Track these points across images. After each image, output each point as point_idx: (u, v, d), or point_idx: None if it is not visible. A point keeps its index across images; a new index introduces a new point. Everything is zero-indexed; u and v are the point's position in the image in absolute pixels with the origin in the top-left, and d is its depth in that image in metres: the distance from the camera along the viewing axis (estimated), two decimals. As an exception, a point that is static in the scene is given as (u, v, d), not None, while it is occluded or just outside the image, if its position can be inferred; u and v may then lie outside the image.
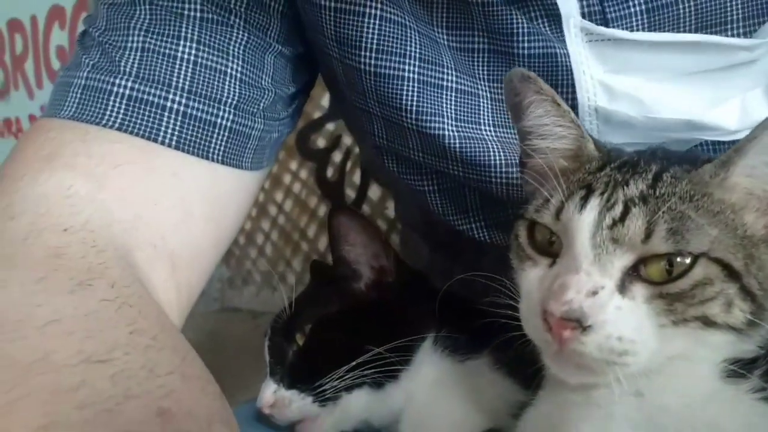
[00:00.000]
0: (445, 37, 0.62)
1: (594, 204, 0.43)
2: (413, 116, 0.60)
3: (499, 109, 0.63)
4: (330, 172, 2.14)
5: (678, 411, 0.43)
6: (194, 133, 0.57)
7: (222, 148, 0.59)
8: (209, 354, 2.08)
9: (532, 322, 0.44)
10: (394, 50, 0.60)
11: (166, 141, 0.56)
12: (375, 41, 0.59)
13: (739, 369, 0.43)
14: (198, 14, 0.58)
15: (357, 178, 2.07)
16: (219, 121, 0.58)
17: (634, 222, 0.41)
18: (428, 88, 0.60)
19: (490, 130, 0.62)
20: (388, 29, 0.59)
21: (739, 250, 0.42)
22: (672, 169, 0.44)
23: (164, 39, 0.57)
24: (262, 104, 0.61)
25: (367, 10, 0.58)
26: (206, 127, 0.58)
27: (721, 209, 0.42)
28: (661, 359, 0.42)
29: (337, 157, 2.11)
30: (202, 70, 0.58)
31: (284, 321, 0.67)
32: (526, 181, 0.52)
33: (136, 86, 0.56)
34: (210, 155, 0.58)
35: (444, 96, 0.61)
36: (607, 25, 0.58)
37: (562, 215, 0.44)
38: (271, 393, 0.63)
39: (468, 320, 0.64)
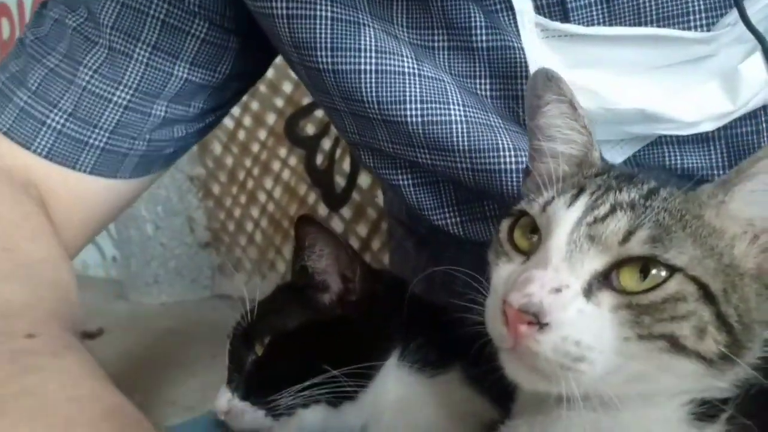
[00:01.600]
0: (406, 35, 0.63)
1: (582, 202, 0.42)
2: (376, 106, 0.62)
3: (468, 94, 0.63)
4: (319, 160, 2.10)
5: None
6: (65, 148, 0.65)
7: (92, 162, 0.66)
8: (198, 341, 2.05)
9: (492, 315, 0.42)
10: (348, 46, 0.61)
11: (38, 151, 0.64)
12: (329, 40, 0.61)
13: (708, 411, 0.40)
14: (107, 43, 0.65)
15: (347, 165, 2.03)
16: (91, 141, 0.65)
17: (615, 223, 0.40)
18: (388, 76, 0.62)
19: (459, 110, 0.62)
20: (340, 28, 0.61)
21: (720, 276, 0.39)
22: (669, 187, 0.43)
23: (68, 62, 0.65)
24: (146, 128, 0.67)
25: (318, 12, 0.61)
26: (77, 145, 0.65)
27: (711, 233, 0.40)
28: (619, 379, 0.40)
29: (326, 144, 2.07)
30: (89, 95, 0.65)
31: (244, 327, 0.64)
32: (525, 186, 0.51)
33: (30, 101, 0.65)
34: (77, 167, 0.65)
35: (407, 81, 0.62)
36: (566, 16, 0.58)
37: (548, 208, 0.43)
38: (225, 401, 0.62)
39: (439, 330, 0.61)
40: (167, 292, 2.44)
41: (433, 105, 0.62)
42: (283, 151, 2.18)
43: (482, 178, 0.62)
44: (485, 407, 0.58)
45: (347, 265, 0.62)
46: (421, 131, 0.62)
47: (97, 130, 0.65)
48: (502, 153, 0.61)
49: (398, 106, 0.62)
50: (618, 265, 0.39)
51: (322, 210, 2.14)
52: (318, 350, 0.60)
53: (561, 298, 0.39)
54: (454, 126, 0.62)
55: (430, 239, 0.80)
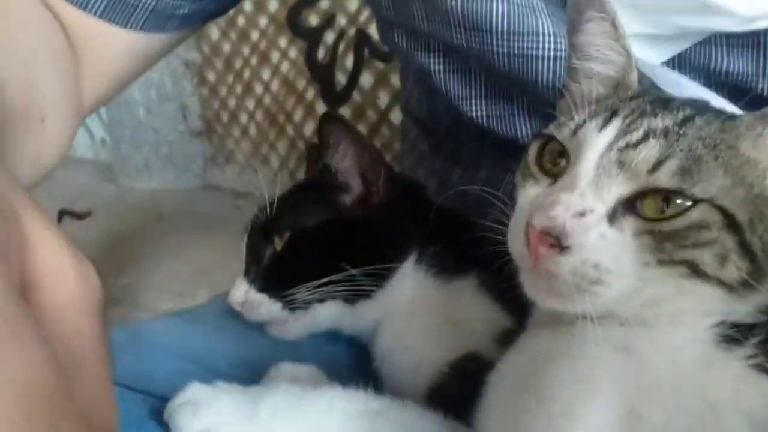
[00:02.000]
0: None
1: (614, 125, 0.41)
2: None
3: None
4: (321, 53, 2.03)
5: (665, 372, 0.40)
6: None
7: (101, 7, 0.64)
8: (189, 229, 2.05)
9: (515, 235, 0.42)
10: None
11: None
12: None
13: (735, 334, 0.40)
14: None
15: (349, 62, 1.96)
16: None
17: (647, 150, 0.39)
18: None
19: None
20: None
21: (748, 206, 0.39)
22: (707, 115, 0.42)
23: None
24: None
25: None
26: None
27: (744, 163, 0.40)
28: (638, 301, 0.40)
29: (329, 37, 1.99)
30: None
31: (264, 221, 0.63)
32: (559, 108, 0.49)
33: None
34: (88, 9, 0.63)
35: None
36: None
37: (579, 132, 0.42)
38: (242, 293, 0.61)
39: (458, 237, 0.61)
40: (157, 179, 2.42)
41: None
42: (283, 42, 2.10)
43: (517, 64, 0.60)
44: (499, 316, 0.59)
45: (371, 167, 0.61)
46: (459, 9, 0.60)
47: None
48: (541, 38, 0.59)
49: None
50: (644, 193, 0.39)
51: (321, 107, 2.09)
52: (337, 249, 0.60)
53: (584, 222, 0.39)
54: (493, 5, 0.59)
55: (448, 140, 0.78)
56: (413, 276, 0.62)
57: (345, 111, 1.98)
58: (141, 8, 0.64)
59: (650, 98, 0.44)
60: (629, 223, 0.39)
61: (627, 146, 0.40)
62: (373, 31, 1.88)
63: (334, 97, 1.99)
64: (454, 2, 0.60)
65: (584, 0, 0.45)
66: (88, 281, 0.28)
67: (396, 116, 1.87)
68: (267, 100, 2.24)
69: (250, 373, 0.59)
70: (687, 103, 0.44)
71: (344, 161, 0.61)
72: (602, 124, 0.42)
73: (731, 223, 0.38)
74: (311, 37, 2.04)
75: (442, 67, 0.67)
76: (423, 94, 0.80)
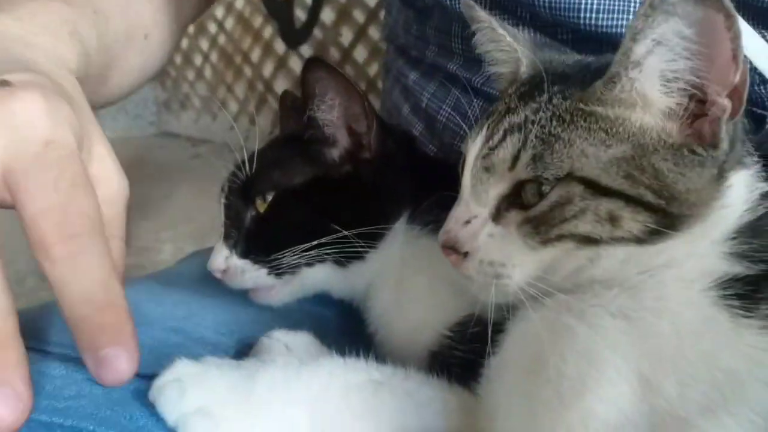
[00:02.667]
0: None
1: (481, 135, 0.45)
2: None
3: None
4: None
5: (669, 338, 0.39)
6: None
7: None
8: (149, 180, 1.98)
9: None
10: None
11: None
12: None
13: (741, 290, 0.39)
14: None
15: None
16: None
17: (504, 150, 0.43)
18: None
19: None
20: None
21: (616, 165, 0.41)
22: (570, 88, 0.43)
23: None
24: None
25: None
26: None
27: (608, 125, 0.41)
28: (559, 277, 0.43)
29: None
30: None
31: (243, 181, 0.58)
32: None
33: None
34: None
35: None
36: None
37: (466, 144, 0.47)
38: (222, 259, 0.57)
39: (454, 190, 0.58)
40: (109, 127, 2.30)
41: None
42: (237, -24, 1.98)
43: (558, 3, 0.60)
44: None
45: (361, 119, 0.56)
46: None
47: None
48: None
49: None
50: (520, 185, 0.42)
51: (280, 47, 1.99)
52: (326, 208, 0.56)
53: (470, 229, 0.44)
54: None
55: (435, 71, 0.75)
56: (408, 234, 0.58)
57: (306, 50, 1.90)
58: None
59: (523, 89, 0.46)
60: (512, 217, 0.43)
61: (489, 150, 0.43)
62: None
63: (293, 35, 1.90)
64: None
65: (467, 17, 0.50)
66: (124, 187, 0.45)
67: (360, 54, 1.79)
68: (222, 39, 2.13)
69: (239, 341, 0.56)
70: (565, 75, 0.45)
71: (332, 112, 0.55)
72: (476, 133, 0.46)
73: (596, 188, 0.40)
74: (266, -29, 1.93)
75: None
76: (412, 19, 0.76)
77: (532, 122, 0.42)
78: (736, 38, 0.38)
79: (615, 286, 0.41)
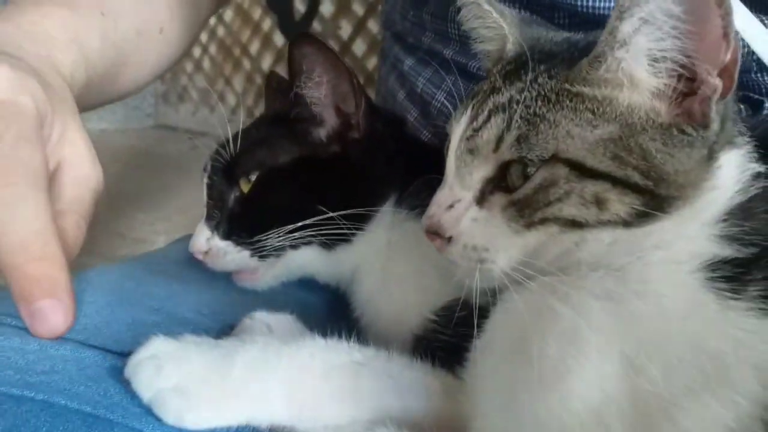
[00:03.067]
0: None
1: (466, 115, 0.44)
2: None
3: None
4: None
5: (653, 321, 0.38)
6: None
7: None
8: (146, 172, 1.96)
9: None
10: None
11: None
12: None
13: (729, 272, 0.38)
14: None
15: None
16: None
17: (488, 131, 0.42)
18: None
19: None
20: None
21: (603, 146, 0.39)
22: (556, 67, 0.42)
23: None
24: None
25: None
26: None
27: (595, 105, 0.40)
28: (545, 260, 0.41)
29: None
30: None
31: (227, 160, 0.57)
32: None
33: None
34: None
35: None
36: None
37: (450, 125, 0.45)
38: (204, 240, 0.56)
39: (442, 174, 0.57)
40: (107, 119, 2.29)
41: None
42: (236, -32, 1.97)
43: None
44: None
45: (349, 98, 0.55)
46: None
47: None
48: None
49: None
50: (505, 167, 0.41)
51: (279, 39, 1.98)
52: (312, 189, 0.55)
53: (454, 213, 0.43)
54: None
55: (432, 57, 0.74)
56: (395, 217, 0.57)
57: (304, 43, 1.89)
58: None
59: (509, 67, 0.44)
60: (497, 200, 0.42)
61: (474, 132, 0.42)
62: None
63: (292, 27, 1.89)
64: None
65: None
66: (95, 174, 0.48)
67: (359, 48, 1.78)
68: (220, 31, 2.12)
69: (220, 322, 0.55)
70: (552, 53, 0.44)
71: (319, 90, 0.54)
72: (461, 113, 0.44)
73: (581, 170, 0.39)
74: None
75: None
76: (409, 5, 0.76)
77: (517, 102, 0.41)
78: (726, 15, 0.37)
79: (601, 268, 0.40)
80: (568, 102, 0.40)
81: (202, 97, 2.22)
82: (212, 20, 2.10)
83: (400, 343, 0.53)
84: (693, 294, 0.38)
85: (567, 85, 0.41)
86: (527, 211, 0.41)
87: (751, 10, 0.55)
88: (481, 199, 0.42)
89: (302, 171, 0.55)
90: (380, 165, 0.56)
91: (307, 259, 0.57)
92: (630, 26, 0.38)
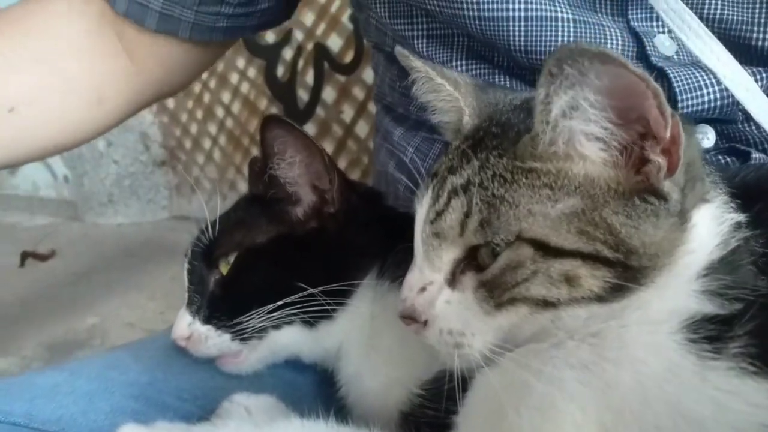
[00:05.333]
0: None
1: (428, 197, 0.43)
2: None
3: None
4: (281, 71, 1.98)
5: (630, 388, 0.37)
6: (134, 10, 0.73)
7: (154, 23, 0.73)
8: (158, 263, 1.97)
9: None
10: None
11: (117, 9, 0.74)
12: None
13: (710, 332, 0.37)
14: None
15: (310, 78, 1.92)
16: (150, 6, 0.73)
17: (450, 215, 0.40)
18: None
19: None
20: None
21: (567, 221, 0.38)
22: (510, 142, 0.41)
23: None
24: (188, 1, 0.72)
25: None
26: (142, 8, 0.73)
27: (552, 180, 0.39)
28: (521, 341, 0.40)
29: (287, 54, 1.95)
30: None
31: (206, 244, 0.57)
32: None
33: None
34: (146, 25, 0.73)
35: None
36: None
37: (415, 204, 0.44)
38: (185, 325, 0.55)
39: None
40: (123, 213, 2.35)
41: None
42: (241, 62, 2.05)
43: (488, 27, 0.59)
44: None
45: (323, 174, 0.56)
46: None
47: None
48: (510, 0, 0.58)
49: None
50: (474, 248, 0.40)
51: (285, 126, 2.04)
52: (291, 267, 0.54)
53: (427, 297, 0.42)
54: None
55: (420, 127, 0.75)
56: (376, 290, 0.56)
57: (309, 127, 1.94)
58: (185, 21, 0.73)
59: (466, 144, 0.43)
60: (468, 280, 0.41)
61: (437, 215, 0.41)
62: (331, 43, 1.85)
63: (297, 114, 1.95)
64: None
65: (405, 66, 0.49)
66: None
67: (362, 130, 1.82)
68: (229, 123, 2.19)
69: (201, 407, 0.54)
70: (508, 124, 0.42)
71: (292, 169, 0.55)
72: (422, 194, 0.43)
73: (547, 249, 0.38)
74: (269, 55, 1.99)
75: (423, 32, 0.65)
76: (396, 76, 0.77)
77: (474, 184, 0.40)
78: (656, 96, 0.36)
79: (577, 335, 0.39)
80: (523, 179, 0.39)
81: (213, 186, 2.27)
82: (220, 113, 2.18)
83: (387, 421, 0.52)
84: (671, 357, 0.37)
85: (518, 162, 0.39)
86: (497, 292, 0.40)
87: (742, 63, 0.55)
88: (452, 281, 0.41)
89: (281, 249, 0.55)
90: (358, 237, 0.56)
91: (290, 339, 0.56)
92: (558, 111, 0.38)
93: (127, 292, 1.86)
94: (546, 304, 0.39)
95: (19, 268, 2.10)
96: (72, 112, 0.73)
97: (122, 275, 1.97)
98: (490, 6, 0.58)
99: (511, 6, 0.58)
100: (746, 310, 0.37)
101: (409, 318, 0.42)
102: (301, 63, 1.94)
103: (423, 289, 0.42)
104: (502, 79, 0.64)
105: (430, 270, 0.42)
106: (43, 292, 1.93)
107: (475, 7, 0.58)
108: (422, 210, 0.43)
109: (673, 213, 0.38)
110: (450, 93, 0.47)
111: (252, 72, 2.06)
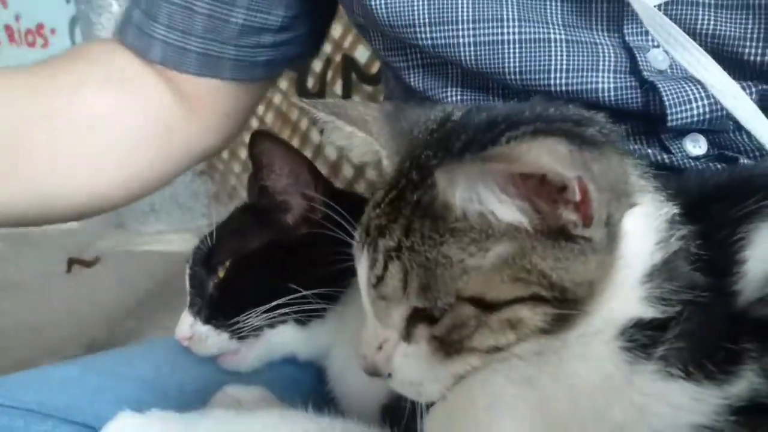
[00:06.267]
0: None
1: (365, 257, 0.43)
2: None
3: None
4: (311, 83, 2.04)
5: (564, 401, 0.39)
6: (172, 55, 0.73)
7: (195, 64, 0.72)
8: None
9: None
10: None
11: (153, 59, 0.73)
12: None
13: (644, 338, 0.38)
14: None
15: (338, 88, 1.97)
16: (189, 47, 0.72)
17: (391, 281, 0.40)
18: None
19: None
20: None
21: (500, 271, 0.38)
22: (425, 198, 0.39)
23: None
24: (227, 34, 0.72)
25: None
26: (180, 51, 0.73)
27: (474, 233, 0.38)
28: (479, 379, 0.41)
29: (317, 66, 2.01)
30: (175, 7, 0.72)
31: (206, 251, 0.62)
32: None
33: (141, 18, 0.74)
34: (183, 69, 0.72)
35: None
36: None
37: (355, 250, 0.44)
38: (187, 326, 0.60)
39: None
40: (164, 221, 2.44)
41: None
42: (273, 75, 2.13)
43: (483, 53, 0.60)
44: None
45: (309, 183, 0.60)
46: (425, 5, 0.60)
47: (192, 37, 0.72)
48: (505, 23, 0.59)
49: None
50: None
51: (315, 136, 2.10)
52: (283, 270, 0.59)
53: (385, 354, 0.43)
54: (459, 0, 0.60)
55: None
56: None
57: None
58: (225, 59, 0.72)
59: (391, 195, 0.42)
60: (421, 332, 0.41)
61: (378, 280, 0.41)
62: (358, 54, 1.89)
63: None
64: (418, 1, 0.60)
65: (318, 108, 0.46)
66: None
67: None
68: (263, 133, 2.26)
69: (202, 400, 0.58)
70: (427, 164, 0.41)
71: (281, 180, 0.59)
72: (360, 250, 0.43)
73: (486, 305, 0.38)
74: (300, 67, 2.06)
75: (418, 63, 0.66)
76: (402, 93, 0.79)
77: (406, 248, 0.39)
78: (556, 173, 0.34)
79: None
80: (451, 238, 0.38)
81: (249, 195, 2.34)
82: (255, 124, 2.25)
83: (370, 414, 0.55)
84: (603, 365, 0.38)
85: (441, 223, 0.38)
86: (447, 345, 0.40)
87: (735, 78, 0.55)
88: (407, 335, 0.42)
89: (273, 254, 0.60)
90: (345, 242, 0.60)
91: (285, 337, 0.60)
92: (457, 196, 0.37)
93: (164, 297, 1.93)
94: (496, 349, 0.40)
95: (66, 274, 2.20)
96: (148, 141, 0.70)
97: (158, 283, 2.05)
98: (486, 31, 0.59)
99: (505, 30, 0.59)
100: (681, 312, 0.38)
101: (373, 374, 0.44)
102: (330, 74, 1.99)
103: (380, 347, 0.43)
104: None
105: (383, 328, 0.43)
106: (88, 297, 2.02)
107: (471, 33, 0.59)
108: (362, 271, 0.43)
109: (601, 247, 0.38)
110: (362, 138, 0.45)
111: (284, 84, 2.13)
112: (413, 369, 0.42)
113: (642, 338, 0.38)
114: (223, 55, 0.72)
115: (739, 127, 0.58)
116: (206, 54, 0.71)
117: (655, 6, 0.56)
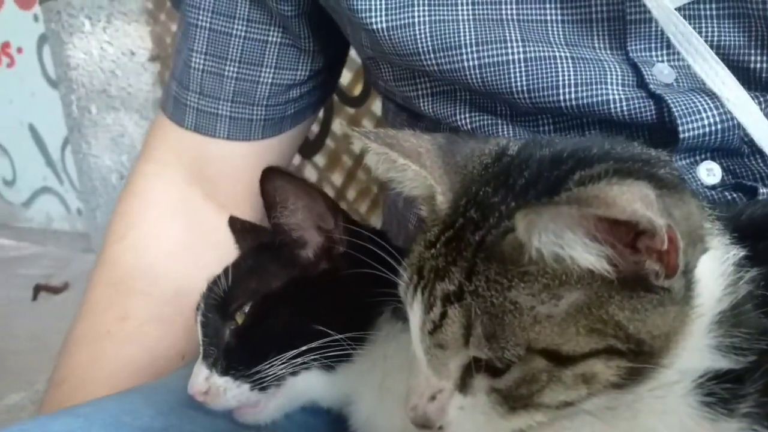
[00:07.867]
0: None
1: (418, 301, 0.40)
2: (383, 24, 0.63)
3: None
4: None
5: None
6: (203, 121, 0.78)
7: (226, 129, 0.77)
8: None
9: None
10: None
11: (187, 125, 0.79)
12: None
13: (722, 392, 0.37)
14: (207, 25, 0.76)
15: (321, 111, 1.95)
16: (219, 112, 0.77)
17: (450, 327, 0.38)
18: None
19: (466, 9, 0.61)
20: None
21: (575, 321, 0.35)
22: (489, 239, 0.37)
23: (186, 50, 0.78)
24: (258, 95, 0.76)
25: None
26: (211, 117, 0.78)
27: (547, 278, 0.36)
28: None
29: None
30: (205, 75, 0.77)
31: (220, 295, 0.57)
32: None
33: (177, 88, 0.80)
34: (216, 134, 0.77)
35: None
36: None
37: (407, 295, 0.42)
38: (203, 379, 0.55)
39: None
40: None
41: (438, 7, 0.61)
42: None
43: (489, 74, 0.60)
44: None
45: (326, 216, 0.56)
46: (427, 35, 0.61)
47: (222, 102, 0.77)
48: (509, 44, 0.59)
49: (403, 15, 0.62)
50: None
51: (295, 158, 2.06)
52: (308, 310, 0.54)
53: (438, 405, 0.40)
54: (461, 25, 0.60)
55: None
56: (391, 330, 0.56)
57: (320, 159, 1.96)
58: (255, 120, 0.76)
59: (447, 234, 0.39)
60: (480, 383, 0.39)
61: (434, 327, 0.38)
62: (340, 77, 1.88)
63: (307, 146, 1.97)
64: (421, 28, 0.61)
65: (371, 139, 0.44)
66: None
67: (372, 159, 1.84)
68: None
69: None
70: (488, 202, 0.38)
71: (296, 216, 0.55)
72: (411, 294, 0.40)
73: (558, 358, 0.36)
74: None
75: (427, 91, 0.67)
76: (405, 122, 0.79)
77: (469, 293, 0.37)
78: (649, 221, 0.32)
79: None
80: (521, 284, 0.36)
81: (225, 218, 2.29)
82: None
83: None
84: (683, 421, 0.37)
85: (510, 266, 0.36)
86: (512, 399, 0.38)
87: (746, 88, 0.55)
88: (463, 386, 0.40)
89: (296, 292, 0.56)
90: (368, 276, 0.56)
91: (308, 385, 0.56)
92: (539, 238, 0.34)
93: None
94: (566, 404, 0.37)
95: (32, 302, 2.11)
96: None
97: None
98: (490, 53, 0.59)
99: (509, 50, 0.59)
100: (759, 363, 0.36)
101: (423, 426, 0.41)
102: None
103: (433, 398, 0.40)
104: (505, 129, 0.64)
105: (437, 378, 0.40)
106: (56, 325, 1.94)
107: (475, 56, 0.59)
108: (415, 317, 0.40)
109: (679, 297, 0.36)
110: (416, 171, 0.43)
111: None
112: (470, 423, 0.40)
113: (721, 392, 0.36)
114: (254, 116, 0.76)
115: (754, 152, 0.58)
116: (235, 117, 0.76)
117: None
